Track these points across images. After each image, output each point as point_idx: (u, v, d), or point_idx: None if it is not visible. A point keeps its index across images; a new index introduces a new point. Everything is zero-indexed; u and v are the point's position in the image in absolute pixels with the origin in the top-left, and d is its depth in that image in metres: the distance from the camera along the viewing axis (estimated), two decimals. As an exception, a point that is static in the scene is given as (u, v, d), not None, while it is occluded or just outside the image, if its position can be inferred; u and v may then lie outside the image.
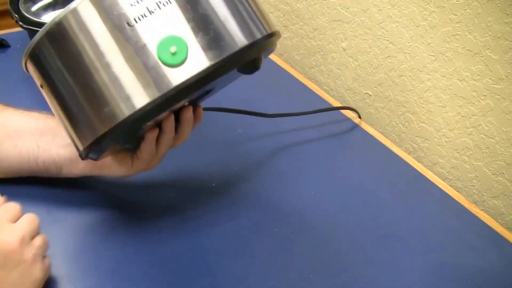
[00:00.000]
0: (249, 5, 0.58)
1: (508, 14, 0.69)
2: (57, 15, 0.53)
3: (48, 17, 0.91)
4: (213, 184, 0.75)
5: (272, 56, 1.04)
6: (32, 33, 0.91)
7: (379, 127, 0.93)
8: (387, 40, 0.87)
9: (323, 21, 0.98)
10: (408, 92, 0.86)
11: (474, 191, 0.80)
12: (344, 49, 0.96)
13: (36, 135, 0.68)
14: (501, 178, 0.76)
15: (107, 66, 0.53)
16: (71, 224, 0.68)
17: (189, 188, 0.74)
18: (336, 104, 0.94)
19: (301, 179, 0.78)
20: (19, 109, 0.71)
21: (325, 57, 1.01)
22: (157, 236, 0.68)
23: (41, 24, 0.89)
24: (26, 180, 0.71)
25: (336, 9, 0.95)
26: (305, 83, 0.99)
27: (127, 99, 0.53)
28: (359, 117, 0.90)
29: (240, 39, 0.54)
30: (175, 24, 0.53)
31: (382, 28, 0.87)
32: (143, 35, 0.52)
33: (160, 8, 0.53)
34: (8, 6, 0.92)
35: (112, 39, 0.53)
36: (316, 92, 0.97)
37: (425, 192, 0.77)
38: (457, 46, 0.76)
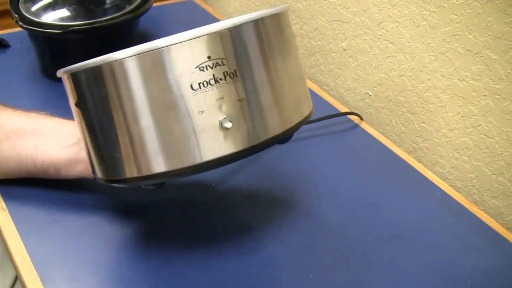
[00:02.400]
0: (299, 83, 0.59)
1: (508, 14, 0.69)
2: (110, 55, 0.52)
3: (48, 17, 0.91)
4: (213, 184, 0.75)
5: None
6: (32, 33, 0.91)
7: (379, 127, 0.93)
8: (387, 40, 0.87)
9: (323, 21, 0.98)
10: (408, 92, 0.86)
11: (474, 191, 0.80)
12: (344, 49, 0.96)
13: (35, 136, 0.67)
14: (501, 178, 0.76)
15: (151, 120, 0.52)
16: (70, 225, 0.68)
17: (189, 188, 0.74)
18: (336, 104, 0.94)
19: (301, 179, 0.78)
20: (17, 109, 0.70)
21: (325, 57, 1.00)
22: (156, 237, 0.68)
23: (41, 24, 0.89)
24: (25, 181, 0.71)
25: (336, 9, 0.95)
26: (305, 83, 0.99)
27: (163, 158, 0.53)
28: (361, 118, 0.90)
29: (284, 122, 0.56)
30: (231, 99, 0.53)
31: (382, 28, 0.87)
32: (202, 102, 0.52)
33: (226, 80, 0.52)
34: (8, 6, 0.92)
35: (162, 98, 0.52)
36: (316, 92, 0.96)
37: (425, 192, 0.77)
38: (457, 46, 0.76)
